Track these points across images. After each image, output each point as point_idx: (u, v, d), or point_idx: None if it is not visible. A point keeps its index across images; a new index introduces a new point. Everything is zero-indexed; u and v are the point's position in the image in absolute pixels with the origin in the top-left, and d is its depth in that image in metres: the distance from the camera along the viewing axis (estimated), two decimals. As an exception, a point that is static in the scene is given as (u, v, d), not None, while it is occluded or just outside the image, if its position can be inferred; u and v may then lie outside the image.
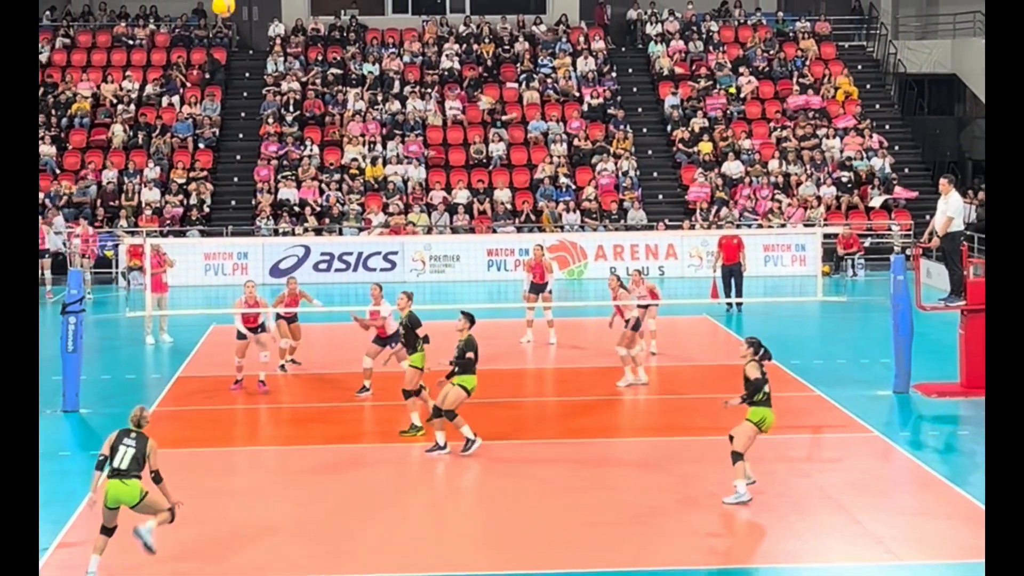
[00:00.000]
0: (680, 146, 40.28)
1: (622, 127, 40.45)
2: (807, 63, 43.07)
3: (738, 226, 35.96)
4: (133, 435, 13.17)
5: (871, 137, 40.16)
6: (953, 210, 20.54)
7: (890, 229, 36.36)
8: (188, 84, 41.83)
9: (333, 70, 42.25)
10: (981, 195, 40.35)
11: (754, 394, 15.43)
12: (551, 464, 17.33)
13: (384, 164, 38.95)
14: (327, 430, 19.32)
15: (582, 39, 43.84)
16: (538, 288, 24.97)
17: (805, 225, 35.85)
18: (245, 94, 42.46)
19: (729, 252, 29.24)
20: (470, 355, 17.64)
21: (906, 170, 39.98)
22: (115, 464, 12.94)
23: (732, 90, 42.04)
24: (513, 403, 21.02)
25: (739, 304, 28.92)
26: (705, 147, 39.85)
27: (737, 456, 15.36)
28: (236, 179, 39.32)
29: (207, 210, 37.48)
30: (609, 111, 41.19)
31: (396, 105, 41.02)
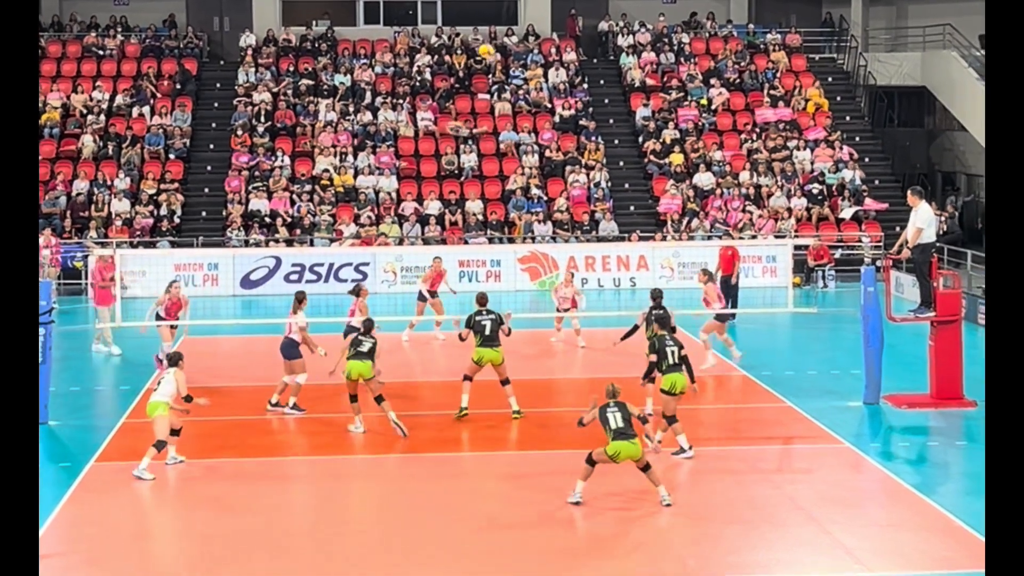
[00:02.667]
0: (652, 157, 40.35)
1: (594, 138, 40.51)
2: (778, 75, 43.22)
3: (708, 237, 36.03)
4: (613, 404, 15.27)
5: (841, 149, 40.30)
6: (922, 220, 20.60)
7: (860, 241, 36.79)
8: (159, 95, 41.69)
9: (304, 81, 42.19)
10: (950, 207, 40.60)
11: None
12: (529, 476, 17.32)
13: (355, 175, 38.89)
14: (305, 441, 19.27)
15: (553, 50, 43.91)
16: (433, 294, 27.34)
17: (776, 237, 35.94)
18: (216, 105, 42.34)
19: (725, 264, 29.11)
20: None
21: (876, 182, 40.14)
22: (614, 427, 15.21)
23: (703, 102, 42.13)
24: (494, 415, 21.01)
25: (732, 315, 28.86)
26: (676, 159, 39.93)
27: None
28: (207, 190, 39.18)
29: (177, 221, 37.33)
30: (581, 122, 41.24)
31: (368, 116, 40.97)
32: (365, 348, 18.98)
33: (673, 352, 17.73)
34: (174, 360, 17.87)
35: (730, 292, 29.28)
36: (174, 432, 17.63)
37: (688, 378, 17.77)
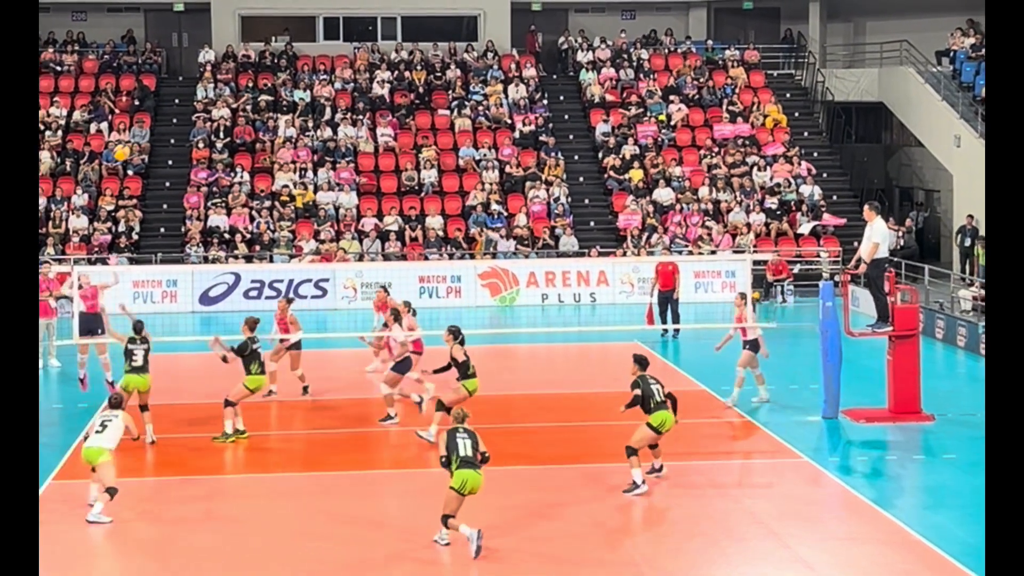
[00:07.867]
0: (611, 173, 40.44)
1: (554, 154, 40.57)
2: (736, 91, 43.42)
3: (668, 252, 36.12)
4: (463, 430, 14.66)
5: (799, 164, 40.49)
6: (879, 236, 20.74)
7: (819, 256, 36.96)
8: (117, 110, 41.50)
9: (264, 97, 42.09)
10: (908, 222, 40.85)
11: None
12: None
13: (315, 191, 38.80)
14: (262, 458, 19.21)
15: (513, 66, 43.96)
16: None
17: (735, 252, 36.07)
18: (175, 121, 42.18)
19: (665, 278, 29.63)
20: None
21: (834, 197, 40.35)
22: (462, 455, 14.41)
23: (663, 118, 42.28)
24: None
25: (676, 331, 29.13)
26: (636, 174, 40.03)
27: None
28: (165, 206, 39.00)
29: (136, 237, 37.14)
30: (541, 138, 41.29)
31: (327, 132, 40.91)
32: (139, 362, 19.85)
33: (658, 390, 17.21)
34: (118, 403, 17.19)
35: (671, 307, 29.59)
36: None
37: (674, 415, 17.17)
